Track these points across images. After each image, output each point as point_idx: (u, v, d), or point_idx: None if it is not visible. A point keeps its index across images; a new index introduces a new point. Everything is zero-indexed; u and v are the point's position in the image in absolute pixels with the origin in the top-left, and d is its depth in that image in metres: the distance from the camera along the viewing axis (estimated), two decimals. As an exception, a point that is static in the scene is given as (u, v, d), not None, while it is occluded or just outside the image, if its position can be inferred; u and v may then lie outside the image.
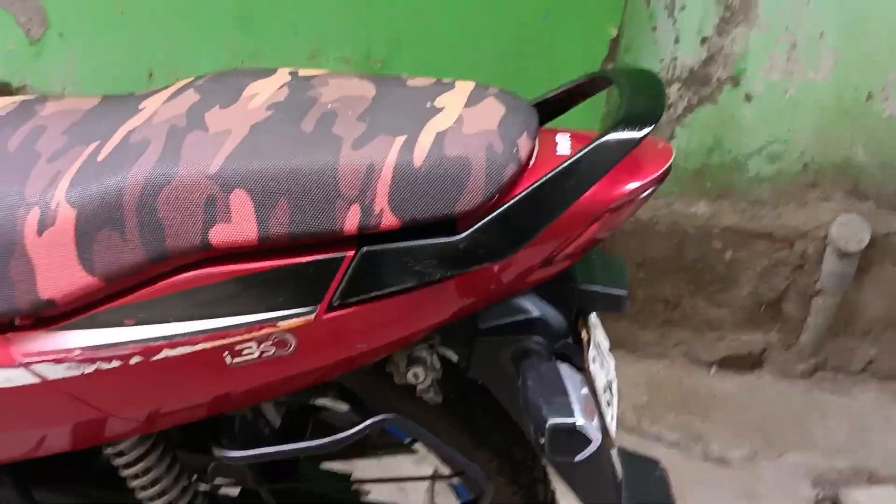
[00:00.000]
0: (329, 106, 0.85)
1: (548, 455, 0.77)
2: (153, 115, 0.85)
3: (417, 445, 1.15)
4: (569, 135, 0.89)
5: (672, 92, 2.20)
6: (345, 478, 1.25)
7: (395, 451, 1.36)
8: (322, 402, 0.96)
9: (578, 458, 0.77)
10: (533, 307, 0.89)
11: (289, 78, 0.91)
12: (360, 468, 1.30)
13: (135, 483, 0.98)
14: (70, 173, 0.80)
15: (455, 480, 1.10)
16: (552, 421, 0.76)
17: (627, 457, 1.06)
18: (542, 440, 0.77)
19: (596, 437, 0.76)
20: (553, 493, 1.13)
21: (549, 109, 0.97)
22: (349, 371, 0.88)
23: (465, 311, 0.87)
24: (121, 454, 0.96)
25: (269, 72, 0.94)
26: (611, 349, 1.09)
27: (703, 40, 2.15)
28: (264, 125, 0.82)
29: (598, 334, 0.99)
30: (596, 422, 0.77)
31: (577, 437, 0.76)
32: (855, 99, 2.19)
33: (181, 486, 0.99)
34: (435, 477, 1.14)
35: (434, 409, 0.99)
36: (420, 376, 0.88)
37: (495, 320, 0.88)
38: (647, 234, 2.25)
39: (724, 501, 1.95)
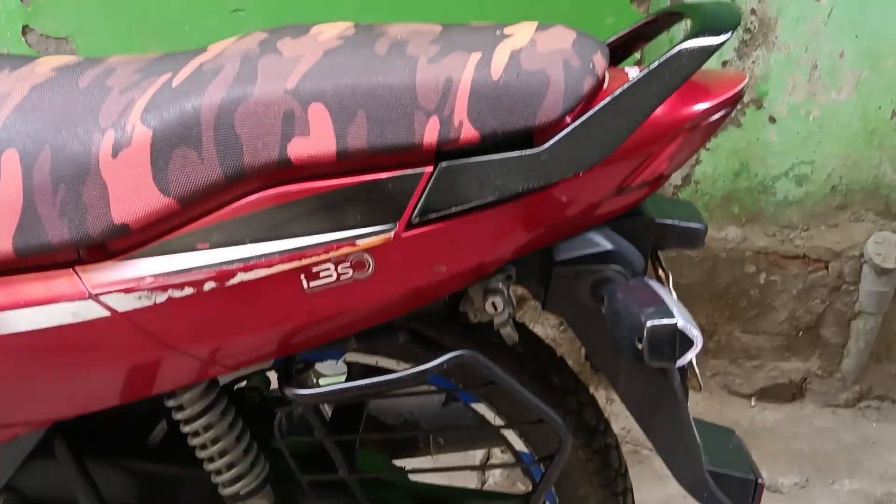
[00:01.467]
0: (399, 36, 0.86)
1: (647, 360, 0.75)
2: (224, 50, 0.86)
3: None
4: (638, 68, 0.91)
5: (696, 117, 2.23)
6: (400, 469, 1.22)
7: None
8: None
9: (679, 362, 0.76)
10: (608, 241, 0.88)
11: (353, 24, 0.93)
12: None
13: (195, 441, 0.96)
14: (144, 98, 0.81)
15: (518, 450, 1.07)
16: (651, 322, 0.74)
17: (701, 425, 1.03)
18: (640, 346, 0.75)
19: (698, 339, 0.75)
20: (625, 463, 1.10)
21: (616, 52, 0.99)
22: (427, 303, 0.87)
23: (542, 240, 0.86)
24: (181, 408, 0.94)
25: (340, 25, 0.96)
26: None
27: (724, 64, 2.20)
28: (337, 50, 0.83)
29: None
30: (696, 328, 0.76)
31: (678, 338, 0.74)
32: (879, 118, 2.22)
33: (243, 447, 0.97)
34: (485, 466, 1.11)
35: (508, 358, 0.97)
36: (498, 306, 0.87)
37: (572, 252, 0.88)
38: (679, 261, 2.25)
39: (782, 528, 1.90)
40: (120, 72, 0.88)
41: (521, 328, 1.04)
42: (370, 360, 1.03)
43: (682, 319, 0.75)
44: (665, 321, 0.74)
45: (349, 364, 1.08)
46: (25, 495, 1.05)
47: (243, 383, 1.27)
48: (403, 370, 0.86)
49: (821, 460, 2.13)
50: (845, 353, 2.33)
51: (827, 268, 2.27)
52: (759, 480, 1.01)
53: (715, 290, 2.30)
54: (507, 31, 0.87)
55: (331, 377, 1.37)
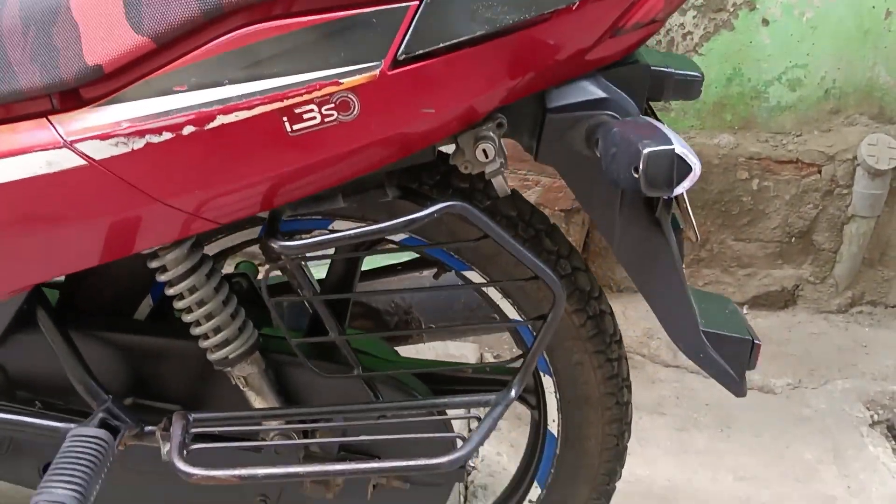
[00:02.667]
0: None
1: (644, 188, 0.72)
2: None
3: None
4: None
5: (687, 20, 2.19)
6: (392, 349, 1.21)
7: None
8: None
9: (677, 189, 0.73)
10: (602, 89, 0.85)
11: None
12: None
13: (180, 304, 0.93)
14: (112, -67, 0.77)
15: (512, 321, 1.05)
16: (649, 149, 0.72)
17: (696, 292, 1.01)
18: (637, 175, 0.72)
19: (696, 165, 0.72)
20: (619, 332, 1.09)
21: None
22: (416, 150, 0.84)
23: (534, 85, 0.83)
24: (165, 269, 0.91)
25: None
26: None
27: (716, -36, 2.15)
28: None
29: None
30: (695, 156, 0.73)
31: (676, 164, 0.72)
32: (873, 18, 2.18)
33: (230, 311, 0.95)
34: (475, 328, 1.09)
35: (500, 222, 0.95)
36: (489, 153, 0.84)
37: (565, 99, 0.85)
38: (671, 167, 2.22)
39: (775, 425, 1.90)
40: None
41: (513, 193, 1.01)
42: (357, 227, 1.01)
43: (679, 146, 0.72)
44: (663, 147, 0.72)
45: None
46: (7, 371, 1.03)
47: (231, 269, 1.25)
48: (398, 219, 0.83)
49: (814, 363, 2.14)
50: (838, 259, 2.32)
51: (820, 172, 2.25)
52: (756, 341, 1.00)
53: (707, 198, 2.28)
54: None
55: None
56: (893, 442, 1.89)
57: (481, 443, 0.89)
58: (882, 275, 2.36)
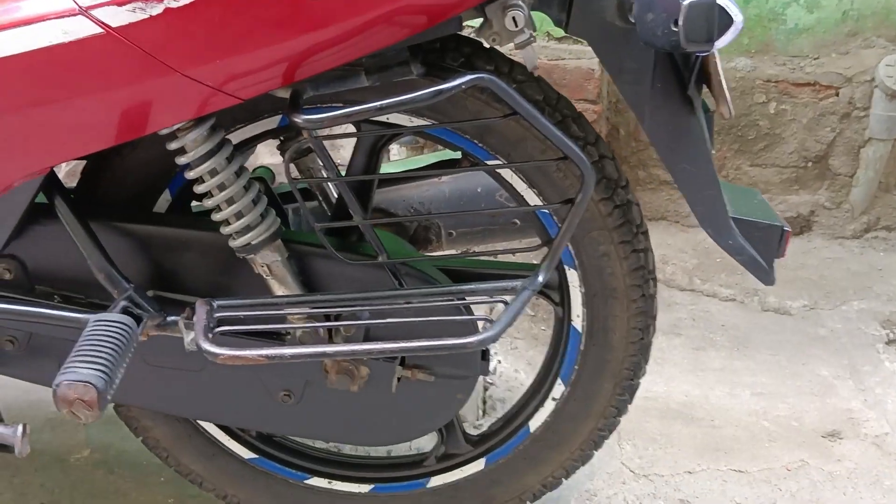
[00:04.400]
0: None
1: (683, 43, 0.69)
2: None
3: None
4: None
5: (704, -60, 2.12)
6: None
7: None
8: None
9: (719, 42, 0.70)
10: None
11: None
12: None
13: (201, 188, 0.91)
14: None
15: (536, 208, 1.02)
16: (689, 0, 0.68)
17: (724, 184, 0.98)
18: (677, 28, 0.69)
19: (738, 17, 0.69)
20: (645, 223, 1.06)
21: None
22: (442, 19, 0.80)
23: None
24: (184, 151, 0.88)
25: None
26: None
27: None
28: None
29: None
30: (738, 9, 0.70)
31: (718, 15, 0.68)
32: (892, -62, 2.12)
33: (252, 197, 0.92)
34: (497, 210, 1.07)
35: (535, 102, 0.92)
36: (519, 22, 0.81)
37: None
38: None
39: (791, 344, 1.88)
40: None
41: (538, 79, 0.98)
42: (381, 117, 0.98)
43: (722, -2, 0.69)
44: (704, -2, 0.68)
45: (358, 126, 1.02)
46: (26, 265, 1.01)
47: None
48: (426, 90, 0.80)
49: (829, 286, 2.11)
50: (854, 183, 2.28)
51: (837, 94, 2.20)
52: (786, 228, 0.97)
53: (724, 123, 2.24)
54: None
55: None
56: (911, 359, 1.87)
57: (509, 324, 0.87)
58: (898, 200, 2.33)
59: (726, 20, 0.69)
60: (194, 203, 1.09)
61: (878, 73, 2.13)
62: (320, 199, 1.29)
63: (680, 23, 0.69)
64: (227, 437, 1.22)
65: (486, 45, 0.87)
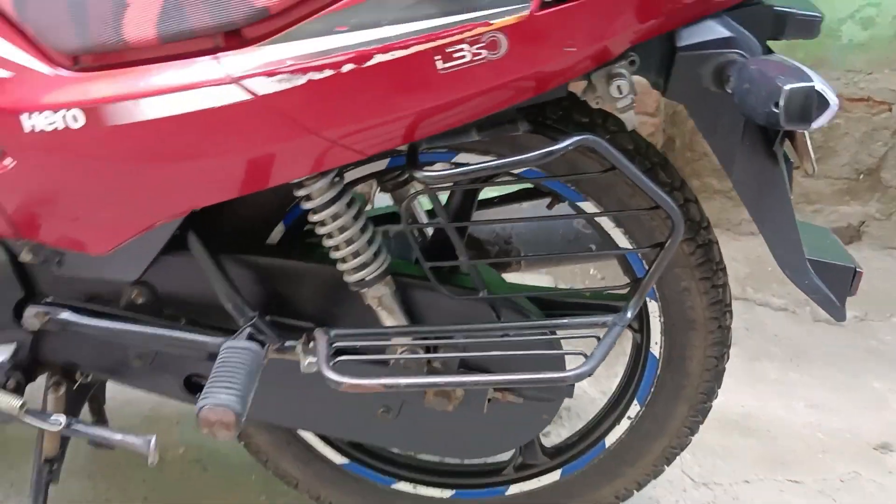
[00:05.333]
0: None
1: (784, 122, 0.76)
2: None
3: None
4: None
5: (763, -43, 2.17)
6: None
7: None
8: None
9: (816, 123, 0.77)
10: (728, 28, 0.88)
11: None
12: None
13: (322, 230, 1.00)
14: None
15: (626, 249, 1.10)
16: (790, 85, 0.75)
17: (798, 223, 1.04)
18: (777, 109, 0.76)
19: (834, 101, 0.76)
20: (723, 260, 1.13)
21: None
22: (552, 86, 0.88)
23: (665, 26, 0.86)
24: (310, 197, 0.97)
25: None
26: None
27: None
28: None
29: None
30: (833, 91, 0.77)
31: (816, 99, 0.75)
32: (948, -43, 2.15)
33: (367, 237, 1.00)
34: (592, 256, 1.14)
35: (628, 152, 0.99)
36: (623, 90, 0.88)
37: (694, 38, 0.88)
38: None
39: (843, 356, 1.94)
40: None
41: (630, 131, 1.05)
42: (481, 161, 1.05)
43: (819, 82, 0.76)
44: (804, 83, 0.75)
45: (457, 166, 1.10)
46: (157, 291, 1.11)
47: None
48: (536, 151, 0.88)
49: (879, 297, 2.16)
50: (905, 195, 2.33)
51: (891, 109, 2.25)
52: (858, 269, 1.04)
53: (777, 136, 2.29)
54: None
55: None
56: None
57: (602, 359, 0.95)
58: (948, 212, 2.37)
59: (823, 103, 0.76)
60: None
61: (932, 90, 2.17)
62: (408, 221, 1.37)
63: (781, 104, 0.76)
64: (323, 444, 1.31)
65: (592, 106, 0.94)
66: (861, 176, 2.33)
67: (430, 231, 1.34)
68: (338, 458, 1.32)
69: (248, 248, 1.10)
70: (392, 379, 0.96)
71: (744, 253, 2.33)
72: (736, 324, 2.05)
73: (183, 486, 1.53)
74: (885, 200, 2.35)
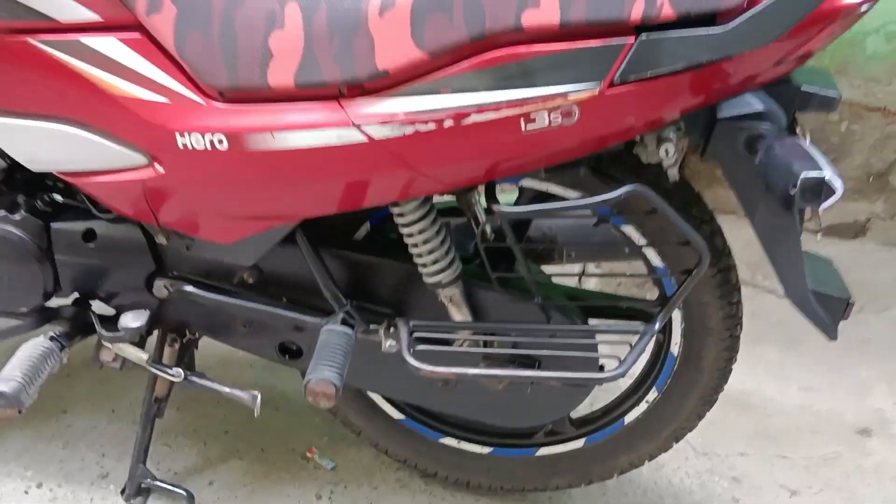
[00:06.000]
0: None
1: (797, 202, 0.93)
2: None
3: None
4: None
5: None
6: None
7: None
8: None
9: (822, 206, 0.94)
10: (762, 103, 1.04)
11: None
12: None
13: (410, 240, 1.18)
14: (402, -37, 0.97)
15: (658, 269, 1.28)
16: (805, 174, 0.92)
17: (806, 254, 1.22)
18: (793, 191, 0.93)
19: (839, 189, 0.93)
20: (739, 282, 1.31)
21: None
22: (610, 146, 1.05)
23: (711, 101, 1.03)
24: (403, 215, 1.16)
25: None
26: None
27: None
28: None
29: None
30: (839, 179, 0.94)
31: (824, 188, 0.93)
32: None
33: (445, 248, 1.19)
34: (626, 275, 1.32)
35: (667, 191, 1.16)
36: (670, 152, 1.06)
37: (733, 111, 1.04)
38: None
39: (837, 346, 2.07)
40: None
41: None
42: (542, 186, 1.23)
43: (829, 172, 0.93)
44: (816, 174, 0.92)
45: (521, 188, 1.28)
46: (263, 272, 1.30)
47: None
48: (590, 197, 1.06)
49: (877, 290, 2.34)
50: (909, 198, 2.49)
51: (904, 120, 2.39)
52: (851, 300, 1.22)
53: (798, 135, 2.44)
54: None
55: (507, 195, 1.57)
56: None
57: (633, 363, 1.15)
58: (948, 215, 2.53)
59: (831, 191, 0.93)
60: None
61: (944, 105, 2.31)
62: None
63: (796, 188, 0.93)
64: (384, 401, 1.52)
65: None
66: (871, 178, 2.49)
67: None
68: (395, 414, 1.53)
69: (338, 242, 1.28)
70: (462, 369, 1.16)
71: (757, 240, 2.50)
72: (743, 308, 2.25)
73: (257, 423, 1.74)
74: (890, 202, 2.51)
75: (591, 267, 2.17)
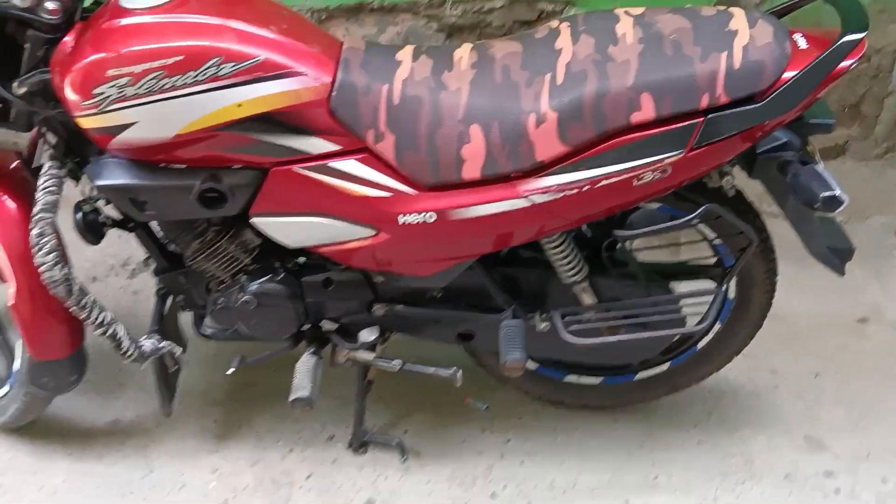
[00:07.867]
0: (672, 36, 1.45)
1: (819, 211, 1.43)
2: (574, 53, 1.45)
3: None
4: (801, 34, 1.48)
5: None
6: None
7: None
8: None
9: (834, 213, 1.43)
10: (784, 136, 1.52)
11: (635, 19, 1.50)
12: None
13: (557, 257, 1.67)
14: (545, 92, 1.43)
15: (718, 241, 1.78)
16: (824, 194, 1.41)
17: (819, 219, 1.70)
18: (817, 205, 1.42)
19: (846, 200, 1.42)
20: (776, 251, 1.81)
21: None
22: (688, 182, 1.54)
23: (753, 143, 1.50)
24: (550, 242, 1.65)
25: (615, 17, 1.52)
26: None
27: None
28: (646, 52, 1.42)
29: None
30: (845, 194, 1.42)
31: (836, 201, 1.42)
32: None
33: (579, 258, 1.68)
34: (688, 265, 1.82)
35: (722, 201, 1.65)
36: (729, 182, 1.55)
37: (767, 146, 1.52)
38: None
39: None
40: (514, 69, 1.48)
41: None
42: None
43: (838, 190, 1.42)
44: (830, 193, 1.41)
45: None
46: (448, 288, 1.77)
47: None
48: (683, 217, 1.55)
49: (858, 203, 2.74)
50: (878, 122, 2.95)
51: (869, 60, 2.83)
52: (853, 247, 1.71)
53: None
54: (730, 26, 1.44)
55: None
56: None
57: (715, 316, 1.66)
58: (911, 132, 3.00)
59: (840, 201, 1.42)
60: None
61: (900, 47, 2.76)
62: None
63: (818, 203, 1.42)
64: (522, 357, 2.04)
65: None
66: (846, 109, 2.95)
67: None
68: (531, 365, 2.04)
69: (494, 262, 1.77)
70: (604, 339, 1.68)
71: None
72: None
73: (406, 388, 2.15)
74: (863, 126, 2.98)
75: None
